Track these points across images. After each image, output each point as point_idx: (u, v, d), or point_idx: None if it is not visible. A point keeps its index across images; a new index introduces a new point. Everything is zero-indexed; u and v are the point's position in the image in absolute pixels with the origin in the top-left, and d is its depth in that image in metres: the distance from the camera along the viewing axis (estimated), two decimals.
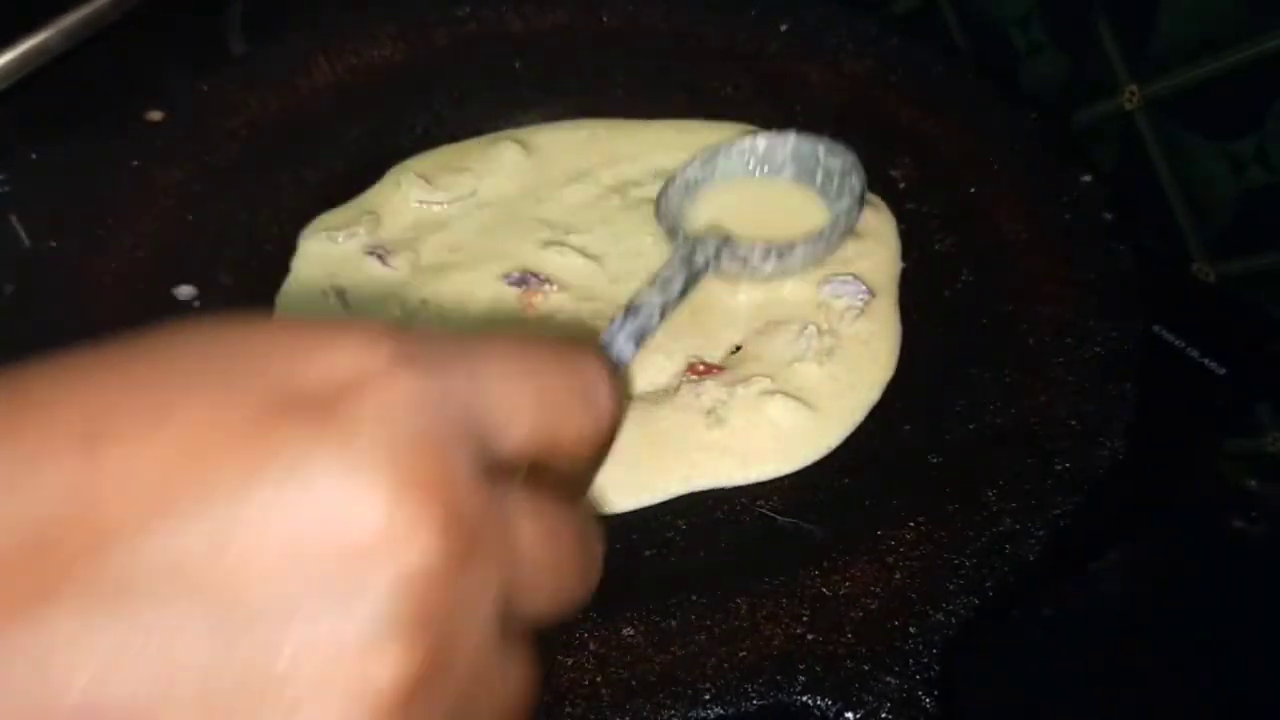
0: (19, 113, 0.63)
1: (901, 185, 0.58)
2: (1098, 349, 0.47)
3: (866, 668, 0.37)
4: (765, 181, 0.57)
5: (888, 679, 0.37)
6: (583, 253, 0.55)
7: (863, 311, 0.51)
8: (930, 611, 0.39)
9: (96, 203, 0.57)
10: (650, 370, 0.50)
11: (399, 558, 0.20)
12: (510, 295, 0.53)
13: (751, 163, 0.57)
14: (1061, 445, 0.44)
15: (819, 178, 0.56)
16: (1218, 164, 0.56)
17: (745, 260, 0.50)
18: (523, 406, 0.23)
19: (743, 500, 0.46)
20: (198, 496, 0.19)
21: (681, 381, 0.49)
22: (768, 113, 0.63)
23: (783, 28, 0.67)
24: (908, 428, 0.47)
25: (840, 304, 0.52)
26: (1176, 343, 0.53)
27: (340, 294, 0.54)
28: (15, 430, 0.20)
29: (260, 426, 0.20)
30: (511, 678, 0.24)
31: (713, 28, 0.68)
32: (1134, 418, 0.44)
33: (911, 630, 0.38)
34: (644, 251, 0.55)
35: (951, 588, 0.40)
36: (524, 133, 0.63)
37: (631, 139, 0.62)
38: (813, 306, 0.52)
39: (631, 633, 0.40)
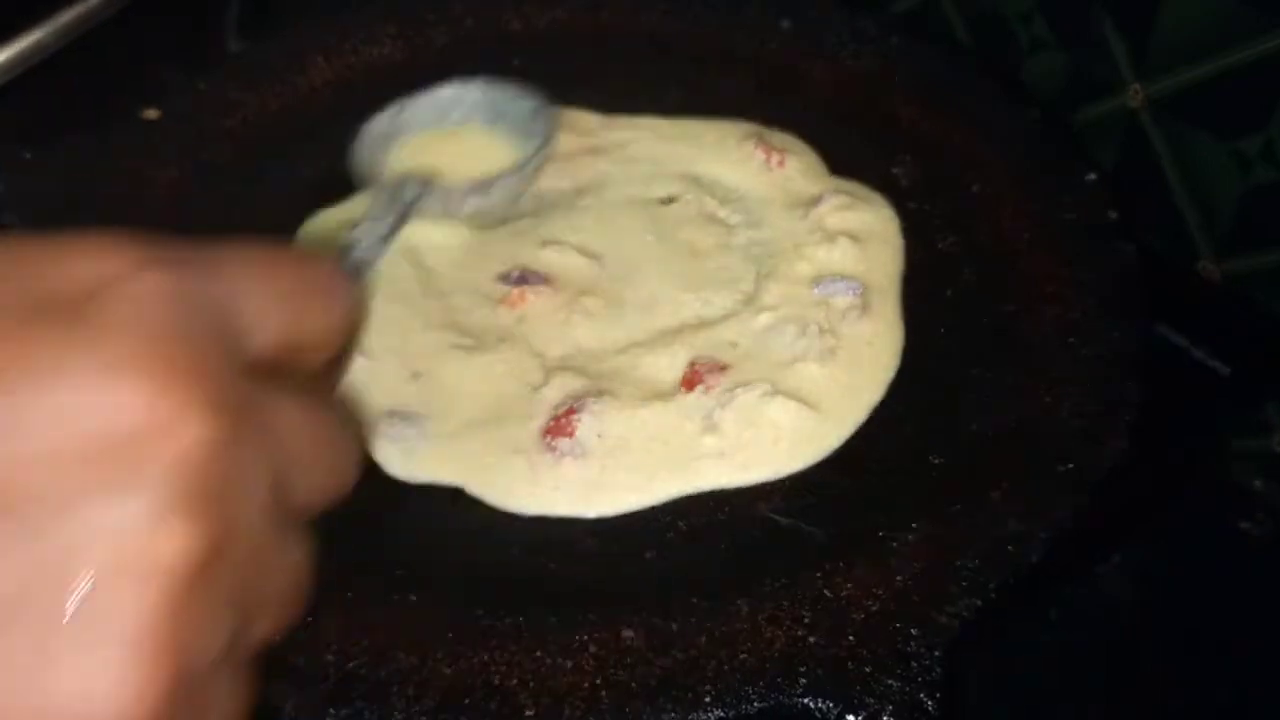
0: (15, 111, 0.63)
1: (903, 184, 0.58)
2: (1101, 348, 0.47)
3: (868, 670, 0.37)
4: (453, 133, 0.59)
5: (890, 681, 0.37)
6: (581, 251, 0.55)
7: (864, 311, 0.51)
8: (933, 613, 0.39)
9: (94, 202, 0.57)
10: (652, 371, 0.49)
11: (171, 441, 0.20)
12: (502, 291, 0.53)
13: (440, 110, 0.58)
14: (1065, 446, 0.44)
15: (510, 121, 0.58)
16: (1223, 162, 0.56)
17: (448, 198, 0.52)
18: (268, 305, 0.25)
19: (744, 502, 0.45)
20: None
21: (683, 381, 0.49)
22: (768, 112, 0.63)
23: (784, 26, 0.67)
24: (910, 428, 0.47)
25: (841, 303, 0.52)
26: (1181, 342, 0.53)
27: None
28: None
29: (10, 334, 0.20)
30: (289, 562, 0.25)
31: (713, 27, 0.68)
32: (1138, 418, 0.44)
33: (914, 632, 0.38)
34: (644, 250, 0.55)
35: (954, 589, 0.39)
36: None
37: (631, 137, 0.62)
38: (811, 306, 0.52)
39: (631, 635, 0.39)
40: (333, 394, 0.31)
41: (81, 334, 0.21)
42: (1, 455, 0.20)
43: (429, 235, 0.55)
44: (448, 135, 0.58)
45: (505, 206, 0.55)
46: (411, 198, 0.48)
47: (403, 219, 0.46)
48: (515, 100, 0.57)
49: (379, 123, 0.56)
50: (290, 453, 0.24)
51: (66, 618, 0.20)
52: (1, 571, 0.19)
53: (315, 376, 0.28)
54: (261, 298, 0.25)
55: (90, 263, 0.22)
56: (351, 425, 0.28)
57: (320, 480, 0.26)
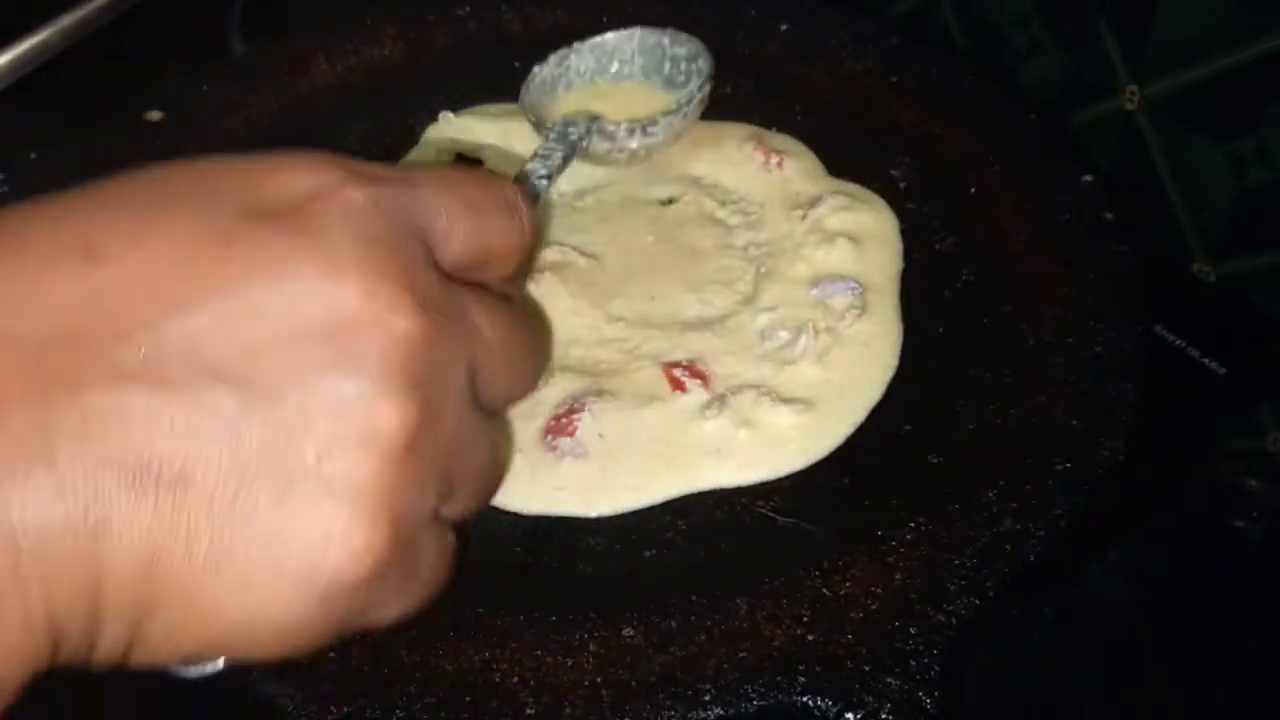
0: (19, 113, 0.63)
1: (902, 185, 0.58)
2: (1098, 349, 0.47)
3: (867, 668, 0.37)
4: (612, 86, 0.61)
5: (888, 679, 0.37)
6: (581, 252, 0.55)
7: (863, 312, 0.51)
8: (931, 612, 0.39)
9: None
10: (652, 371, 0.49)
11: (383, 330, 0.23)
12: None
13: (603, 58, 0.60)
14: (1062, 445, 0.44)
15: (667, 68, 0.60)
16: (1218, 163, 0.56)
17: (613, 136, 0.54)
18: (458, 215, 0.27)
19: (743, 501, 0.46)
20: (199, 291, 0.22)
21: (683, 381, 0.49)
22: (768, 112, 0.63)
23: (783, 28, 0.67)
24: (908, 428, 0.47)
25: (839, 304, 0.52)
26: (1177, 342, 0.53)
27: None
28: (19, 249, 0.22)
29: (240, 234, 0.23)
30: (486, 443, 0.28)
31: (713, 28, 0.68)
32: (1134, 418, 0.44)
33: (912, 631, 0.38)
34: (644, 251, 0.55)
35: (952, 588, 0.40)
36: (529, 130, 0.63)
37: None
38: (810, 306, 0.52)
39: (631, 633, 0.40)
40: (518, 302, 0.32)
41: (303, 235, 0.23)
42: (243, 336, 0.22)
43: None
44: (609, 88, 0.60)
45: (667, 146, 0.57)
46: (578, 136, 0.50)
47: (570, 155, 0.48)
48: (673, 46, 0.60)
49: (545, 69, 0.59)
50: (484, 348, 0.27)
51: (305, 473, 0.22)
52: (247, 434, 0.22)
53: (502, 285, 0.30)
54: (452, 211, 0.27)
55: (302, 176, 0.25)
56: (537, 330, 0.30)
57: (510, 374, 0.29)
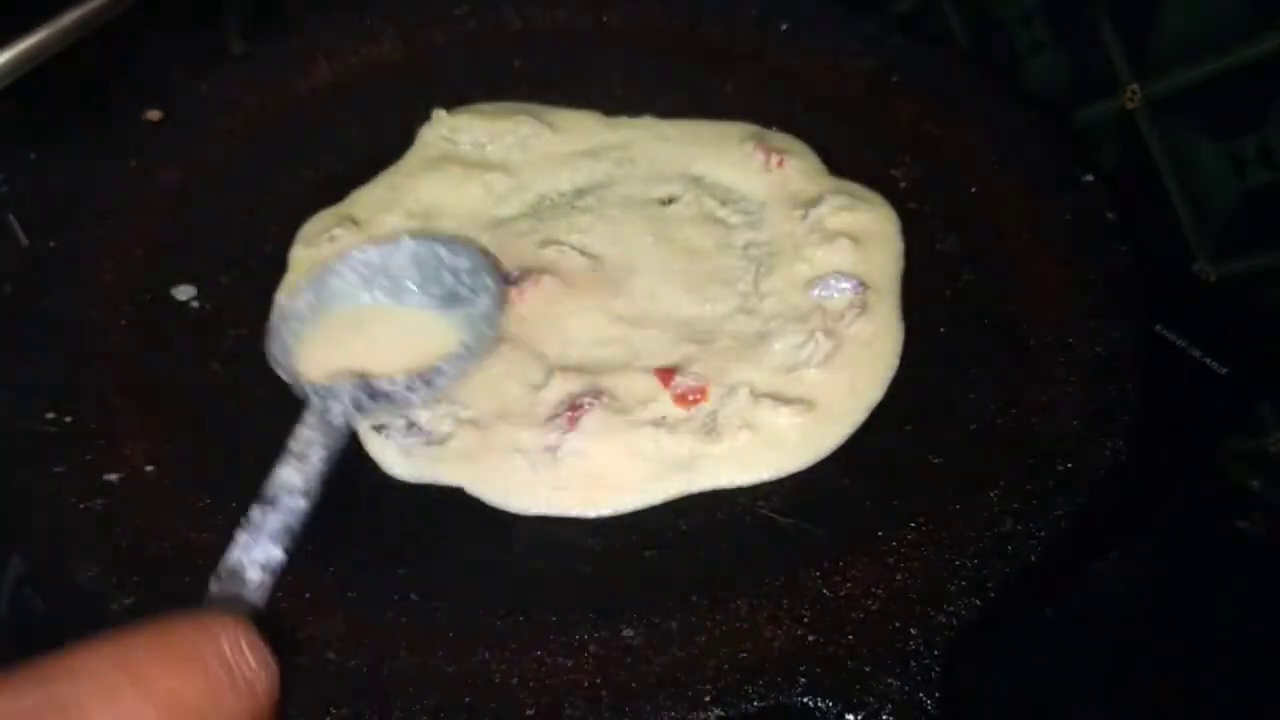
0: (18, 112, 0.63)
1: (902, 185, 0.58)
2: (1099, 349, 0.47)
3: (868, 669, 0.37)
4: (378, 309, 0.50)
5: (889, 680, 0.37)
6: (582, 252, 0.55)
7: (864, 311, 0.51)
8: (931, 612, 0.39)
9: (95, 203, 0.57)
10: (643, 375, 0.49)
11: None
12: (509, 295, 0.53)
13: (369, 275, 0.49)
14: (1063, 445, 0.44)
15: (448, 281, 0.50)
16: (1219, 163, 0.56)
17: (389, 396, 0.44)
18: (144, 712, 0.20)
19: (743, 501, 0.45)
20: None
21: (682, 380, 0.49)
22: (767, 112, 0.63)
23: (783, 27, 0.67)
24: (909, 428, 0.47)
25: (840, 304, 0.52)
26: (1178, 342, 0.53)
27: None
28: None
29: None
30: None
31: (713, 28, 0.68)
32: (1135, 418, 0.44)
33: (913, 631, 0.38)
34: (644, 251, 0.55)
35: (953, 589, 0.39)
36: (525, 129, 0.63)
37: (632, 138, 0.62)
38: (810, 306, 0.52)
39: (631, 634, 0.40)
40: None
41: None
42: None
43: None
44: (370, 313, 0.49)
45: (455, 388, 0.47)
46: (341, 413, 0.42)
47: (338, 444, 0.40)
48: (451, 257, 0.50)
49: (299, 300, 0.48)
50: None
51: None
52: None
53: None
54: (136, 712, 0.20)
55: None
56: None
57: None
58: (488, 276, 0.49)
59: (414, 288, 0.50)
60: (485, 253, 0.50)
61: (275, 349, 0.46)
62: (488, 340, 0.48)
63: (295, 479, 0.37)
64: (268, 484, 0.37)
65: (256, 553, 0.35)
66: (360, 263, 0.49)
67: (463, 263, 0.49)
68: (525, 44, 0.68)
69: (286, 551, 0.35)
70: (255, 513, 0.36)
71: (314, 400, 0.42)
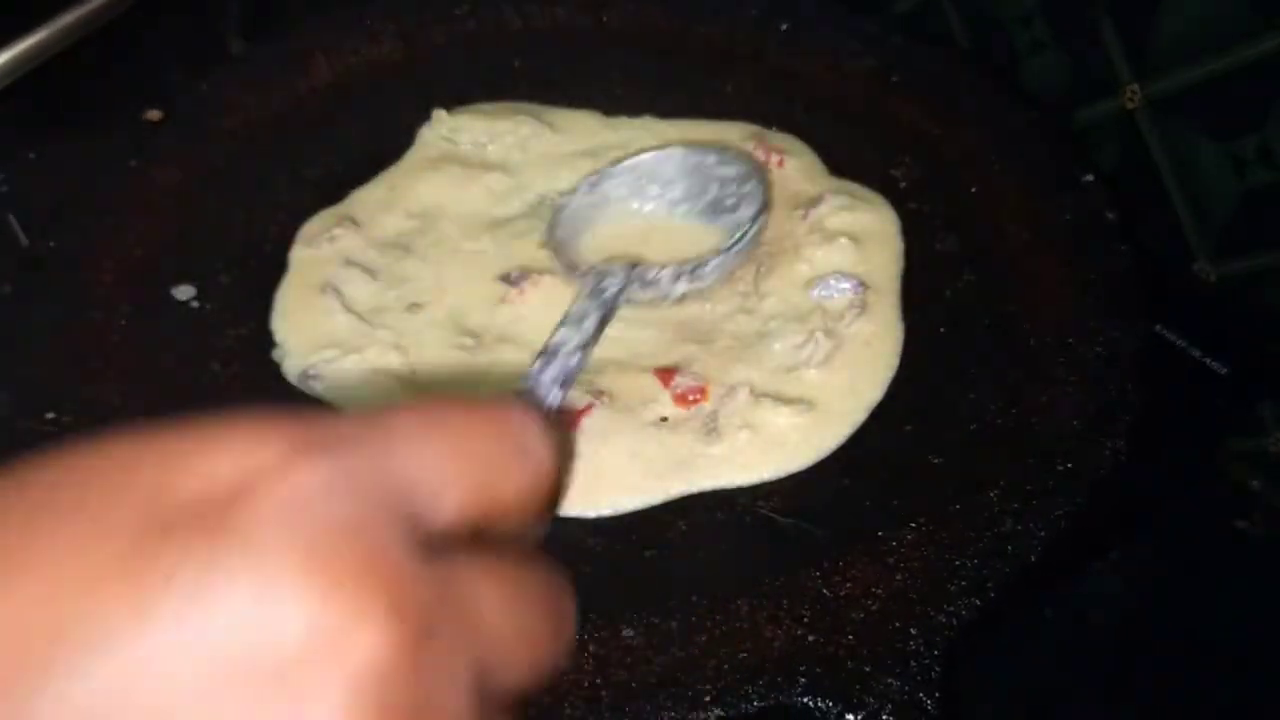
0: (18, 112, 0.63)
1: (902, 185, 0.58)
2: (1099, 349, 0.47)
3: (868, 669, 0.37)
4: (650, 214, 0.54)
5: (889, 680, 0.37)
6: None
7: (864, 311, 0.51)
8: (931, 612, 0.39)
9: (95, 202, 0.57)
10: (652, 371, 0.49)
11: (344, 658, 0.18)
12: (502, 291, 0.53)
13: (638, 181, 0.53)
14: (1063, 445, 0.44)
15: (714, 190, 0.53)
16: (1219, 163, 0.56)
17: (656, 284, 0.48)
18: (449, 471, 0.22)
19: (743, 501, 0.45)
20: (89, 634, 0.17)
21: (682, 380, 0.49)
22: (767, 112, 0.63)
23: (783, 27, 0.67)
24: (909, 428, 0.47)
25: (840, 304, 0.52)
26: (1178, 342, 0.53)
27: (338, 292, 0.54)
28: None
29: (141, 551, 0.18)
30: None
31: (713, 28, 0.68)
32: (1136, 418, 0.44)
33: (913, 631, 0.38)
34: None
35: (953, 589, 0.40)
36: (525, 129, 0.63)
37: (632, 138, 0.62)
38: (810, 306, 0.52)
39: (631, 634, 0.40)
40: (538, 557, 0.26)
41: (227, 546, 0.18)
42: (153, 693, 0.17)
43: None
44: (645, 217, 0.54)
45: (719, 285, 0.51)
46: (615, 290, 0.45)
47: (608, 315, 0.43)
48: (720, 167, 0.52)
49: (574, 201, 0.53)
50: (492, 638, 0.21)
51: None
52: None
53: (517, 537, 0.24)
54: (441, 465, 0.21)
55: (230, 457, 0.19)
56: (561, 586, 0.24)
57: (529, 657, 0.23)
58: (753, 184, 0.52)
59: (680, 195, 0.53)
60: (752, 160, 0.53)
61: (554, 238, 0.51)
62: (750, 241, 0.51)
63: (573, 338, 0.40)
64: (548, 341, 0.41)
65: (538, 395, 0.38)
66: (631, 168, 0.53)
67: (730, 171, 0.52)
68: (525, 44, 0.68)
69: (560, 392, 0.38)
70: (538, 363, 0.39)
71: (592, 278, 0.45)
